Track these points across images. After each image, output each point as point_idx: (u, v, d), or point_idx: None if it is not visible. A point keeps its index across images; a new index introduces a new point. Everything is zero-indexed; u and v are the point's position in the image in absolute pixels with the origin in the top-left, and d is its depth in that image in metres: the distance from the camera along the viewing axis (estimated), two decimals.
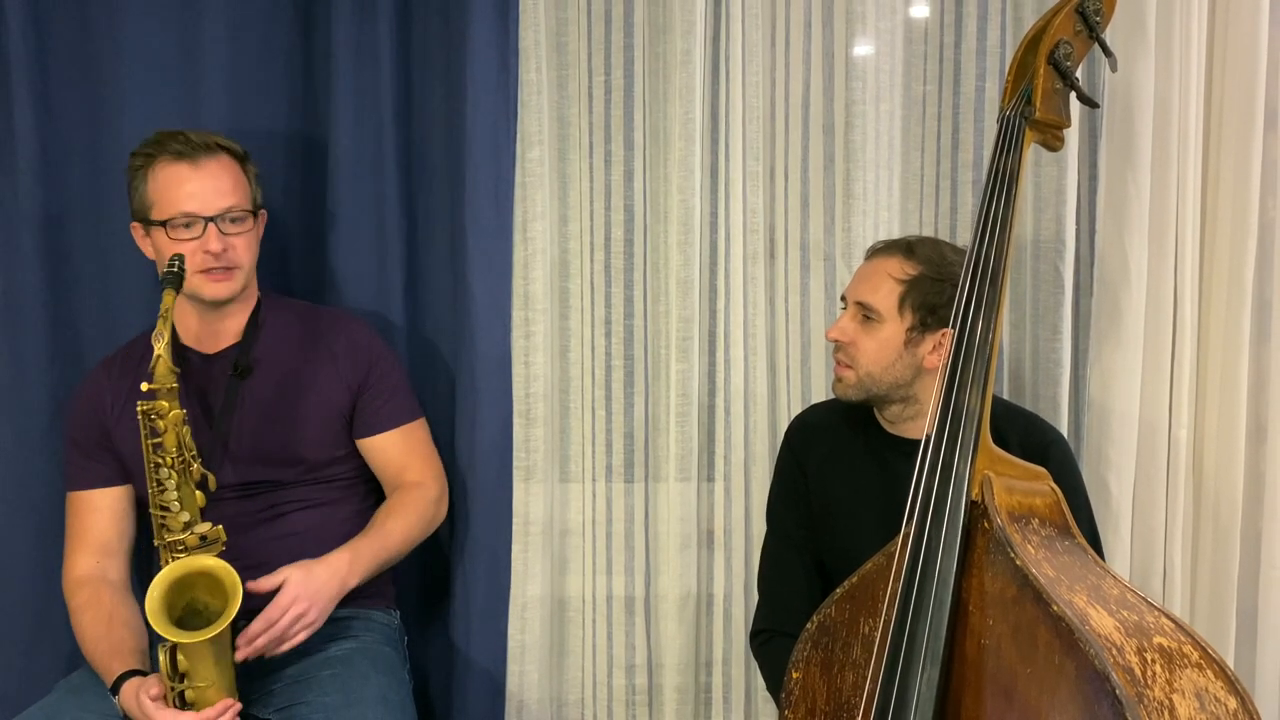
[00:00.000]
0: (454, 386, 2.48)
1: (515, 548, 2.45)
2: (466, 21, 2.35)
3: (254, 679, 2.14)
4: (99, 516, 2.22)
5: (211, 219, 2.11)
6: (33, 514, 2.43)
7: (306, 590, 2.01)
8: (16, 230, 2.41)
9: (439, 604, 2.52)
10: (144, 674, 2.00)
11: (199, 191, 2.11)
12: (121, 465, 2.21)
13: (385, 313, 2.48)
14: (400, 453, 2.32)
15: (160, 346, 1.92)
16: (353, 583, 2.11)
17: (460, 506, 2.46)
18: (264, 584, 2.00)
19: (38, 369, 2.43)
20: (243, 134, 2.34)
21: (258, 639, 1.97)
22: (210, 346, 2.24)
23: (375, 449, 2.31)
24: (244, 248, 2.17)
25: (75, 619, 2.15)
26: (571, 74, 2.46)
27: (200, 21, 2.43)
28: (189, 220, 2.10)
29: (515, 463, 2.44)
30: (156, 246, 2.15)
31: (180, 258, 2.03)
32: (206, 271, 2.13)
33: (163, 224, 2.10)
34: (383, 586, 2.37)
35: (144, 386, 1.95)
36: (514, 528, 2.45)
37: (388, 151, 2.44)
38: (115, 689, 2.00)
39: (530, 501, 2.45)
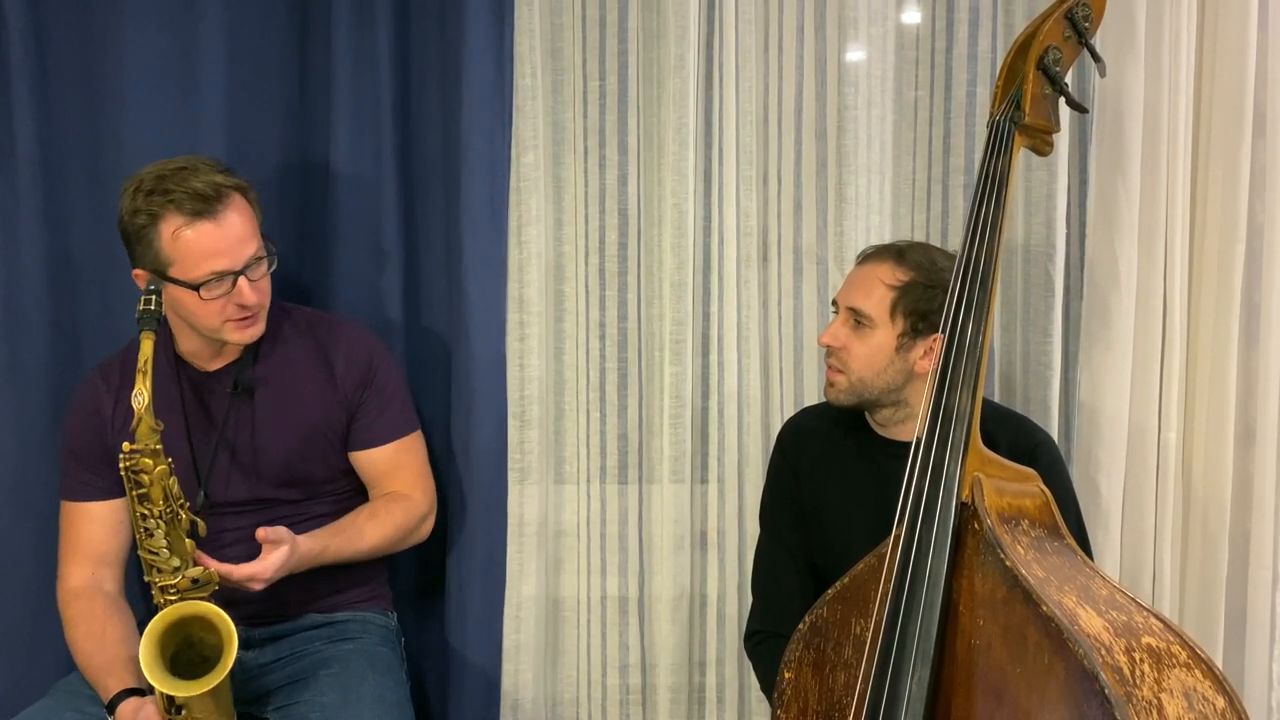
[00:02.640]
0: (450, 389, 2.48)
1: (510, 549, 2.46)
2: (462, 27, 2.36)
3: (252, 679, 2.15)
4: (96, 528, 2.18)
5: (241, 271, 2.03)
6: (33, 517, 2.43)
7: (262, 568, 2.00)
8: (17, 235, 2.41)
9: (435, 605, 2.53)
10: (140, 691, 1.98)
11: (227, 249, 2.01)
12: (119, 477, 2.19)
13: (384, 316, 2.49)
14: (391, 466, 2.28)
15: (140, 406, 1.84)
16: (301, 569, 2.08)
17: (456, 508, 2.47)
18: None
19: (38, 373, 2.44)
20: (241, 140, 2.36)
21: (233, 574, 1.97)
22: (211, 364, 2.20)
23: (369, 462, 2.28)
24: (268, 288, 2.11)
25: (69, 631, 2.13)
26: (566, 79, 2.47)
27: (199, 28, 2.43)
28: (220, 277, 2.01)
29: (510, 464, 2.45)
30: (177, 299, 2.05)
31: (156, 292, 1.91)
32: (238, 320, 2.07)
33: (193, 286, 2.01)
34: (380, 589, 2.38)
35: (125, 447, 1.88)
36: (509, 529, 2.46)
37: (387, 157, 2.45)
38: (111, 707, 1.99)
39: (525, 503, 2.46)
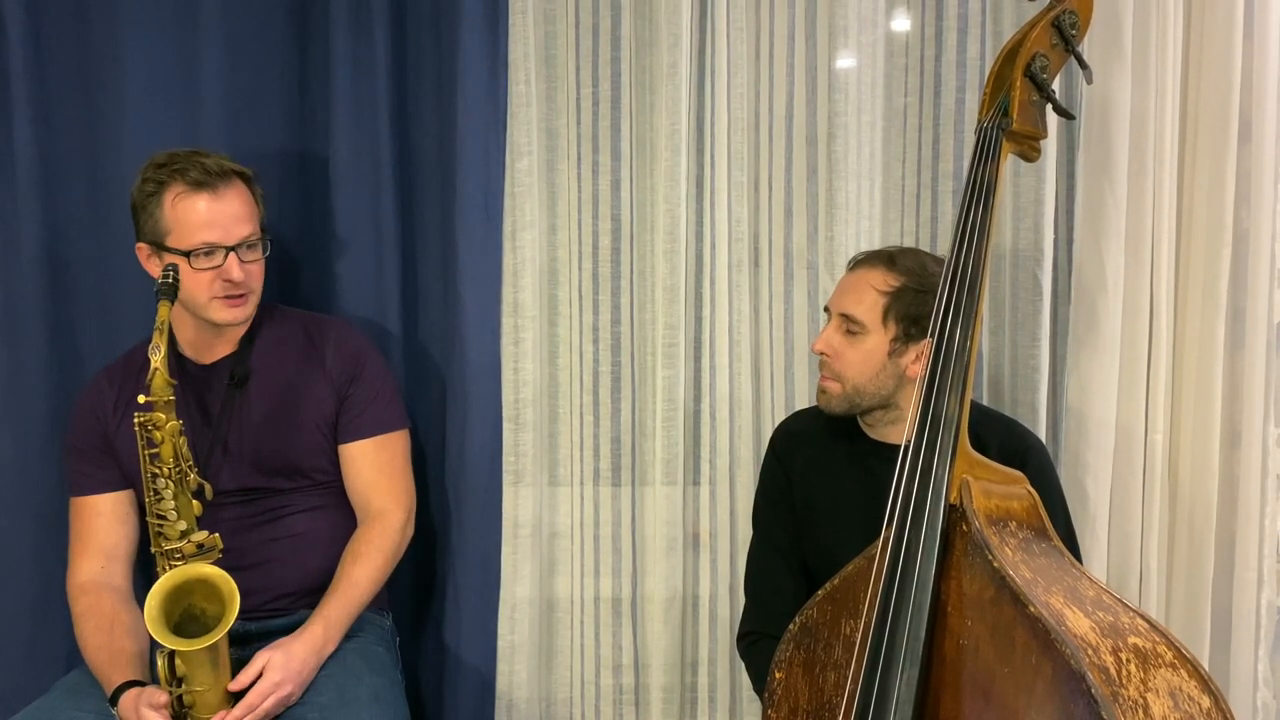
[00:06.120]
0: (445, 392, 2.50)
1: (505, 550, 2.48)
2: (457, 34, 2.37)
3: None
4: (102, 521, 2.22)
5: (232, 248, 2.11)
6: (32, 517, 2.45)
7: (288, 672, 2.02)
8: (16, 240, 2.42)
9: (430, 605, 2.55)
10: (142, 684, 2.01)
11: (220, 221, 2.10)
12: (122, 471, 2.22)
13: (382, 321, 2.50)
14: (372, 467, 2.29)
15: (157, 359, 1.92)
16: (330, 649, 2.11)
17: (451, 510, 2.48)
18: (246, 676, 1.99)
19: (37, 376, 2.45)
20: (240, 146, 2.35)
21: None
22: (207, 356, 2.25)
23: (350, 457, 2.29)
24: (258, 273, 2.18)
25: (78, 626, 2.15)
26: (560, 86, 2.49)
27: (198, 35, 2.45)
28: (210, 249, 2.10)
29: (505, 467, 2.47)
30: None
31: (174, 268, 2.02)
32: (225, 298, 2.13)
33: (184, 253, 2.09)
34: None
35: (141, 399, 1.95)
36: (504, 530, 2.47)
37: (385, 162, 2.46)
38: (114, 699, 2.01)
39: (519, 505, 2.48)
